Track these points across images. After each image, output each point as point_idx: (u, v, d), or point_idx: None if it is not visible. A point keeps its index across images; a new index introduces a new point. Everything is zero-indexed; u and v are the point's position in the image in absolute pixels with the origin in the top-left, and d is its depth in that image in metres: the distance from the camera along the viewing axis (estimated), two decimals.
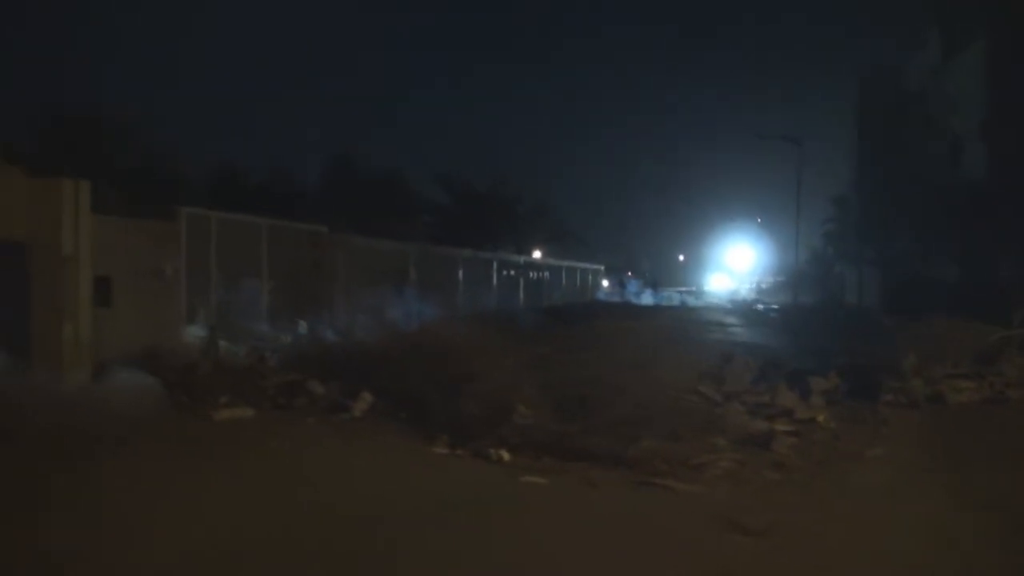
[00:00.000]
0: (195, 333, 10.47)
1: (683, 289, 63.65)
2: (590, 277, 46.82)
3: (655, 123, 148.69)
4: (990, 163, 21.95)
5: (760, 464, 6.43)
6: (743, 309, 31.76)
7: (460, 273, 25.19)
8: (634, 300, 46.58)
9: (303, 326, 12.29)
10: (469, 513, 5.12)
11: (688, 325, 16.17)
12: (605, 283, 51.61)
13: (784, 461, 6.55)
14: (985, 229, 17.28)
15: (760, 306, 33.96)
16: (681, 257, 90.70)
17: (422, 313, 18.13)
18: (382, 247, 20.26)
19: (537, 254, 39.58)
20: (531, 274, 33.95)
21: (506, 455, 6.57)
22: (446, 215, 31.27)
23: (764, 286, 63.23)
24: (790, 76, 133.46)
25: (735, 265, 75.78)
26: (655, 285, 51.24)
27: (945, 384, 9.50)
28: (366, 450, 6.90)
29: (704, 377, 9.17)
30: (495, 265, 29.60)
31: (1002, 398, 9.39)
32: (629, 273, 67.05)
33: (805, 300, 36.82)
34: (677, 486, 5.81)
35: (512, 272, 31.48)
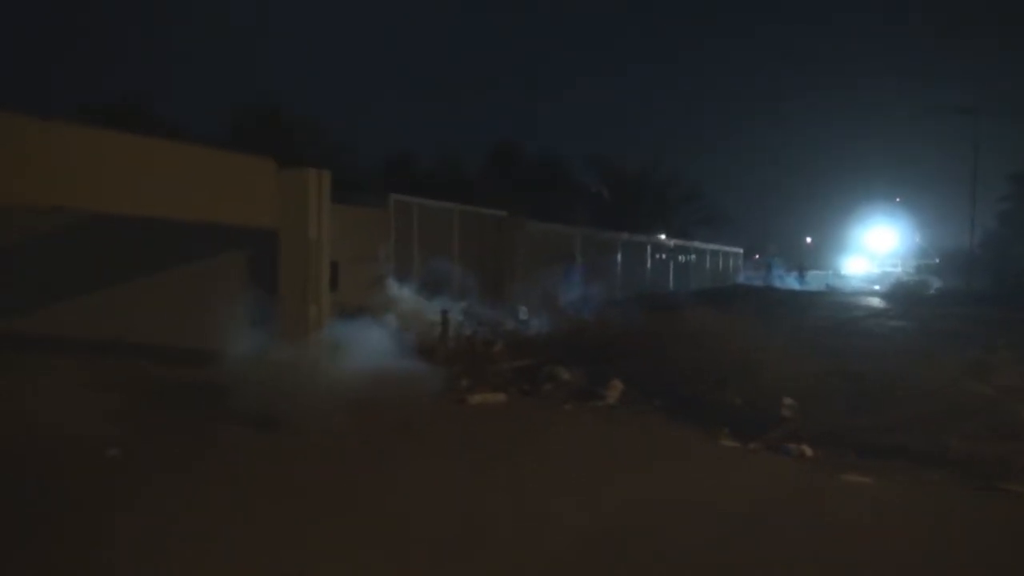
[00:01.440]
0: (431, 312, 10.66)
1: (828, 272, 60.90)
2: (731, 260, 45.60)
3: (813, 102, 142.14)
4: None
5: None
6: (918, 294, 29.87)
7: (619, 256, 25.06)
8: (778, 284, 44.95)
9: (524, 311, 12.35)
10: (822, 515, 4.88)
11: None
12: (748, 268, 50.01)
13: None
14: None
15: (934, 290, 31.75)
16: (808, 239, 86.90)
17: (588, 295, 18.12)
18: (553, 230, 20.35)
19: (662, 237, 38.74)
20: (680, 257, 33.39)
21: (808, 450, 6.26)
22: (601, 199, 31.05)
23: (918, 269, 59.49)
24: (958, 46, 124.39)
25: (875, 247, 71.84)
26: (802, 269, 49.04)
27: None
28: (656, 441, 6.74)
29: (970, 369, 8.52)
30: (649, 249, 29.28)
31: None
32: (757, 256, 64.72)
33: (979, 285, 34.27)
34: (1016, 489, 5.34)
35: (663, 255, 31.08)
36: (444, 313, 10.45)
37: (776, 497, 5.27)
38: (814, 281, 49.29)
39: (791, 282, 46.00)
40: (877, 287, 38.91)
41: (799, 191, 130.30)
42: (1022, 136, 37.88)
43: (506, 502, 4.94)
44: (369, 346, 9.01)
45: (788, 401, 7.45)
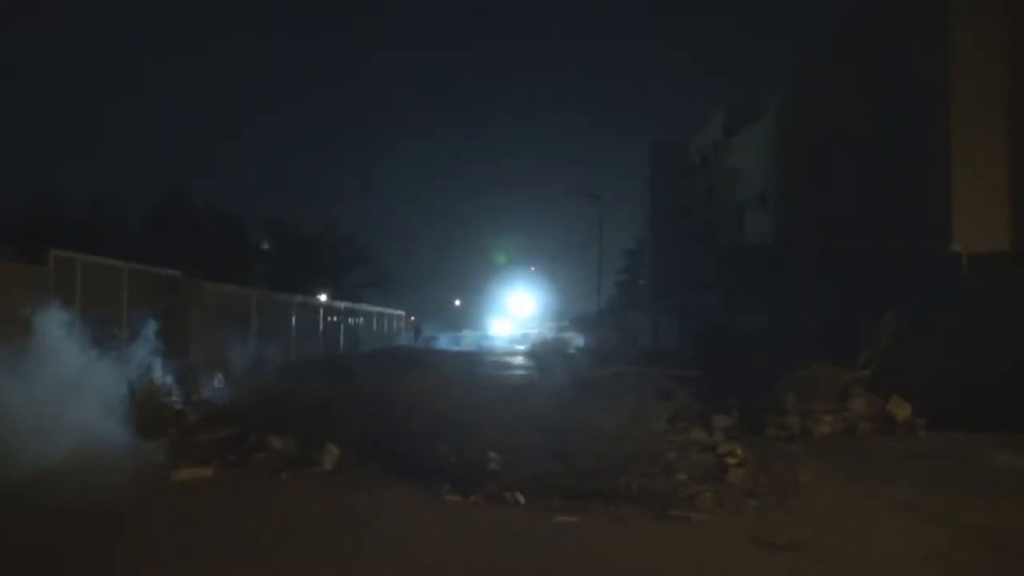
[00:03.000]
0: None
1: (479, 333, 65.62)
2: (395, 322, 47.39)
3: (461, 175, 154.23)
4: (774, 228, 25.70)
5: (734, 495, 7.41)
6: (556, 352, 33.72)
7: (293, 319, 24.72)
8: (435, 345, 47.58)
9: (219, 379, 11.62)
10: (546, 557, 5.54)
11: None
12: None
13: (751, 489, 7.61)
14: (784, 284, 20.25)
15: (574, 349, 36.05)
16: (457, 302, 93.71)
17: (263, 359, 17.76)
18: (230, 292, 19.48)
19: (323, 297, 39.27)
20: (350, 320, 33.89)
21: (521, 498, 6.98)
22: (276, 259, 30.36)
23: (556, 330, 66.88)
24: (587, 141, 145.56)
25: (516, 310, 79.44)
26: (418, 330, 52.84)
27: (812, 419, 11.27)
28: (383, 503, 6.94)
29: (628, 420, 10.14)
30: (322, 311, 29.33)
31: (854, 428, 11.34)
32: (412, 318, 68.05)
33: (604, 343, 39.83)
34: (692, 516, 6.61)
35: (335, 318, 31.29)
36: (130, 383, 9.52)
37: (505, 538, 5.88)
38: (467, 341, 53.07)
39: (444, 343, 49.05)
40: (521, 347, 42.99)
41: (450, 257, 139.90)
42: (637, 219, 45.32)
43: None
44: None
45: (493, 455, 8.20)
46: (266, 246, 32.51)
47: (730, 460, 8.56)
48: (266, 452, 8.54)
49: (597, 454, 8.11)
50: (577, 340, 42.21)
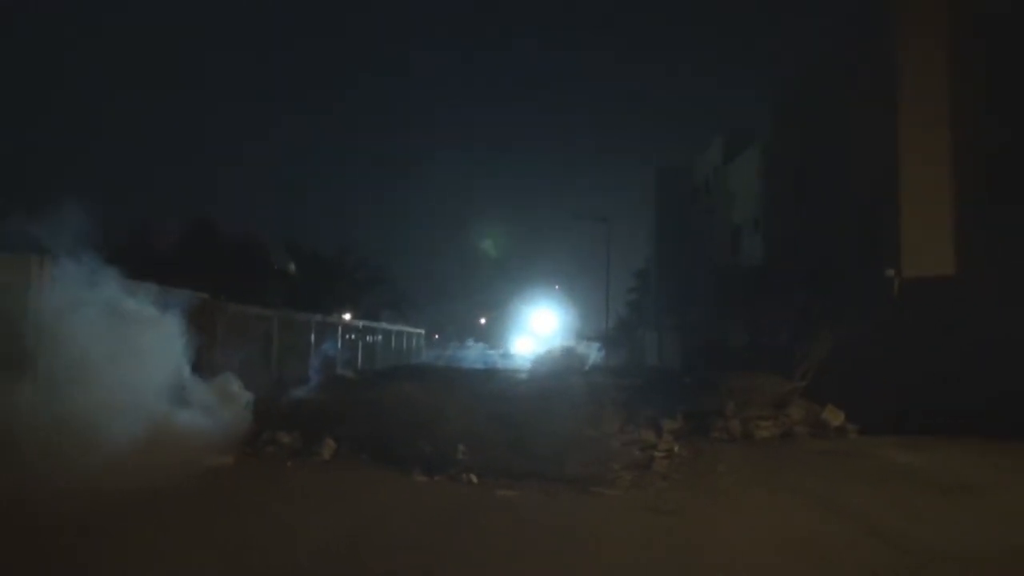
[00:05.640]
0: None
1: (498, 352, 67.37)
2: (414, 340, 49.30)
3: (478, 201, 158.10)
4: (764, 249, 27.21)
5: (652, 478, 9.11)
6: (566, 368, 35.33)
7: (312, 337, 26.65)
8: (456, 362, 49.30)
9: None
10: (485, 517, 7.29)
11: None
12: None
13: (666, 475, 9.30)
14: (765, 302, 21.79)
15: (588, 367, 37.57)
16: (483, 320, 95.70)
17: (284, 375, 19.60)
18: (251, 313, 21.43)
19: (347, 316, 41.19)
20: (368, 337, 35.82)
21: (475, 478, 8.75)
22: (295, 281, 32.48)
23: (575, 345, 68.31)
24: (597, 165, 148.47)
25: (538, 328, 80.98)
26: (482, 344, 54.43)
27: (752, 424, 12.88)
28: (364, 480, 8.77)
29: (587, 421, 11.87)
30: (340, 330, 31.26)
31: (791, 432, 12.93)
32: (436, 336, 69.80)
33: (613, 361, 41.39)
34: (606, 492, 8.33)
35: (353, 336, 33.20)
36: None
37: (452, 506, 7.66)
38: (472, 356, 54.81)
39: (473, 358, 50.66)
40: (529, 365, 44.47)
41: (475, 276, 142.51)
42: (645, 240, 46.89)
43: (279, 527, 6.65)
44: None
45: (462, 447, 9.96)
46: (292, 267, 34.58)
47: (657, 454, 10.25)
48: (276, 445, 10.39)
49: (545, 446, 9.83)
50: (593, 355, 43.61)
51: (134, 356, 9.40)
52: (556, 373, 27.15)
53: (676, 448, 11.07)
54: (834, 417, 13.13)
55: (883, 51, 17.34)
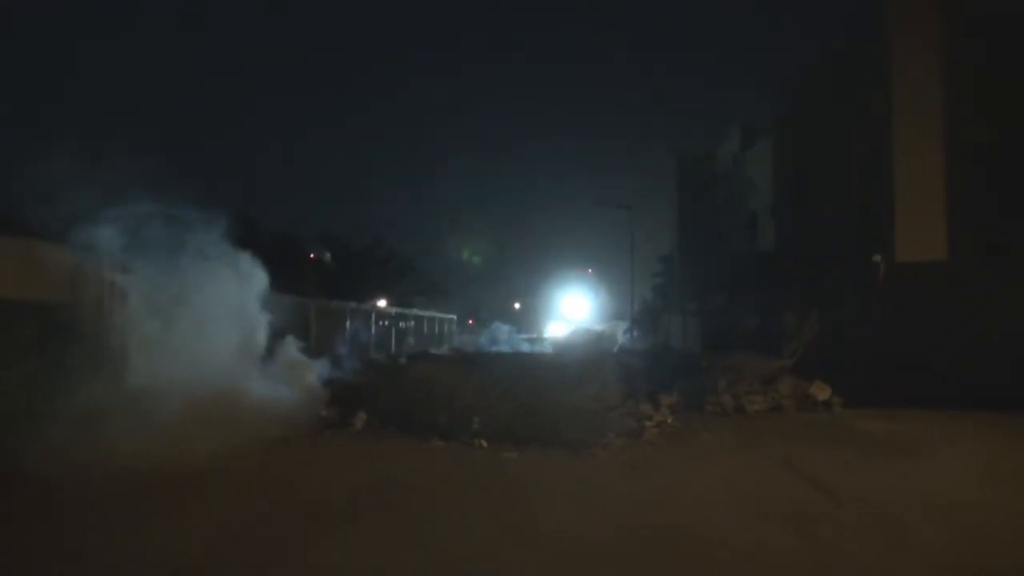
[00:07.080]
0: None
1: (533, 336, 68.80)
2: (446, 325, 50.93)
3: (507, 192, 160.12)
4: (776, 236, 28.20)
5: (641, 445, 10.47)
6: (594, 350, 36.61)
7: (348, 323, 28.34)
8: (488, 347, 50.75)
9: None
10: (488, 472, 8.72)
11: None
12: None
13: (653, 441, 10.65)
14: (774, 288, 22.88)
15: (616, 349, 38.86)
16: (517, 305, 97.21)
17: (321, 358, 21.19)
18: (287, 302, 23.12)
19: (382, 303, 42.81)
20: (400, 323, 37.51)
21: (484, 443, 10.20)
22: (330, 271, 34.26)
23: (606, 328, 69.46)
24: (624, 153, 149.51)
25: (570, 314, 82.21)
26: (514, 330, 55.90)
27: (744, 398, 14.12)
28: (391, 446, 10.30)
29: (591, 396, 13.21)
30: (373, 316, 32.95)
31: (780, 406, 14.14)
32: (470, 321, 71.31)
33: (639, 345, 42.56)
34: (598, 454, 9.71)
35: (386, 322, 34.90)
36: None
37: (467, 463, 9.12)
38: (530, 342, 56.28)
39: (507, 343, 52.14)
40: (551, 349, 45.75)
41: (509, 263, 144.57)
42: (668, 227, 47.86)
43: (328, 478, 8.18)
44: None
45: (476, 419, 11.41)
46: (328, 256, 36.26)
47: (648, 423, 11.59)
48: (316, 419, 11.94)
49: (546, 417, 11.22)
50: (621, 338, 44.66)
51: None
52: (577, 357, 28.59)
53: (669, 419, 12.39)
54: (820, 392, 14.30)
55: (878, 51, 18.29)
